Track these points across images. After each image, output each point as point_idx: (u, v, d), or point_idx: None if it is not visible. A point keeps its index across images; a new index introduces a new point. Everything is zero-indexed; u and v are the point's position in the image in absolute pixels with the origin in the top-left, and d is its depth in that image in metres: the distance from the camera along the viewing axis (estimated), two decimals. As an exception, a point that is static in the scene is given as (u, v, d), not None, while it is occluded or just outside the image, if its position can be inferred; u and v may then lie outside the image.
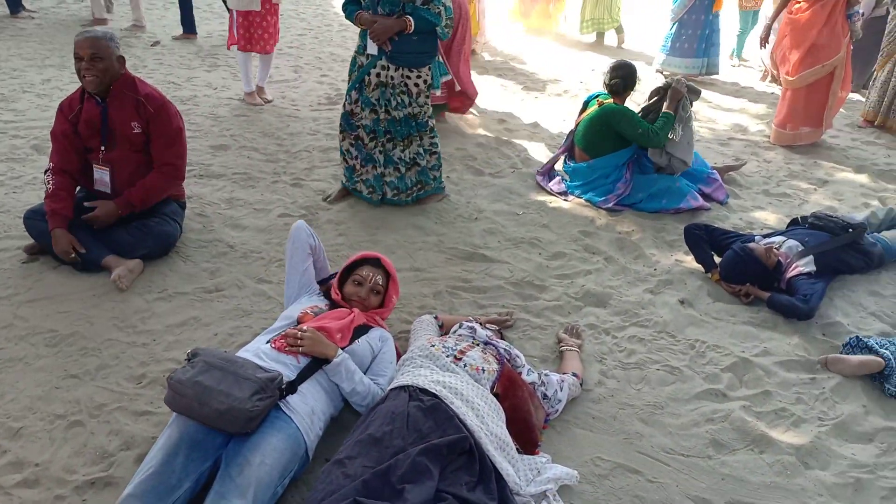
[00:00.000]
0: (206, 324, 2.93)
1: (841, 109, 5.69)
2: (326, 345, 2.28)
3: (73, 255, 3.12)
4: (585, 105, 4.55)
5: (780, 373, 2.79)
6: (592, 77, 7.38)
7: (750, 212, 4.34)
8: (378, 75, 3.77)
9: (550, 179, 4.62)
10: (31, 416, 2.35)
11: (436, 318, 2.89)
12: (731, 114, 6.37)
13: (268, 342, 2.32)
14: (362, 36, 3.75)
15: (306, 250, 2.76)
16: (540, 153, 5.16)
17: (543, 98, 6.61)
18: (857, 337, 2.89)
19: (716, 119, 6.16)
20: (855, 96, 6.91)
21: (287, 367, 2.19)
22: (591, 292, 3.32)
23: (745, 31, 8.29)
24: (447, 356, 2.40)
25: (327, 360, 2.26)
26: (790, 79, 5.15)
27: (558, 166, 4.70)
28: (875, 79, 5.78)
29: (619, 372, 2.77)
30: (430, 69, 3.88)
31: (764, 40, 5.64)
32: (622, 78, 4.25)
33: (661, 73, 7.36)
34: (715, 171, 4.52)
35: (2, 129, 4.92)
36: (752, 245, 3.32)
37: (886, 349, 2.75)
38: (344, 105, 3.99)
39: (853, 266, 3.47)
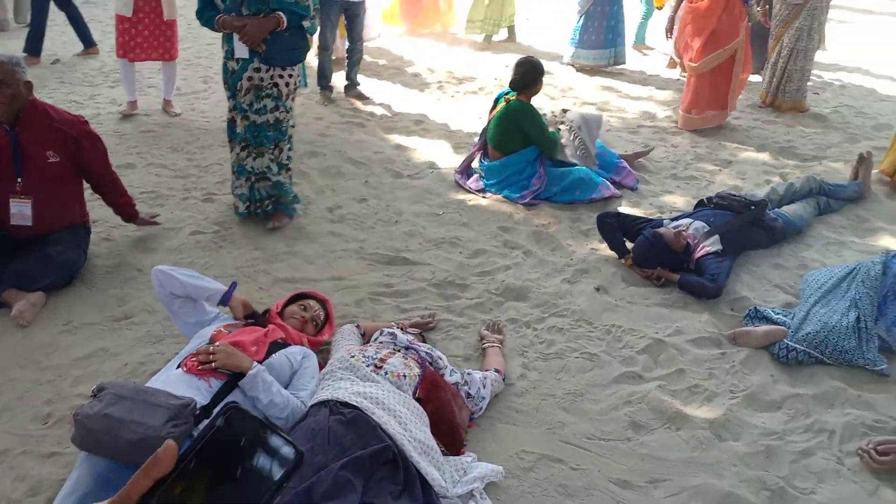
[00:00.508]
0: (115, 354, 2.81)
1: (742, 91, 5.95)
2: (241, 357, 2.23)
3: None
4: (495, 102, 4.61)
5: (692, 350, 2.89)
6: (506, 73, 7.46)
7: (659, 196, 4.49)
8: (250, 78, 3.57)
9: (469, 177, 4.65)
10: (-74, 469, 2.20)
11: (357, 326, 2.87)
12: (640, 102, 6.57)
13: (178, 366, 2.24)
14: (228, 40, 3.54)
15: (172, 303, 2.59)
16: (457, 152, 5.19)
17: (459, 97, 6.65)
18: (755, 308, 3.05)
19: (625, 108, 6.34)
20: (755, 77, 7.25)
21: (200, 392, 2.13)
22: (511, 287, 3.37)
23: (647, 16, 8.54)
24: (367, 365, 2.38)
25: (242, 375, 2.21)
26: (694, 65, 5.35)
27: (475, 164, 4.74)
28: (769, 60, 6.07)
29: (539, 363, 2.82)
30: (299, 68, 3.77)
31: (669, 31, 5.85)
32: (524, 74, 4.32)
33: (572, 65, 7.53)
34: (623, 159, 4.65)
35: None
36: (661, 230, 3.44)
37: (782, 316, 2.91)
38: (228, 112, 3.79)
39: (757, 241, 3.63)
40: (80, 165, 3.31)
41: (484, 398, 2.52)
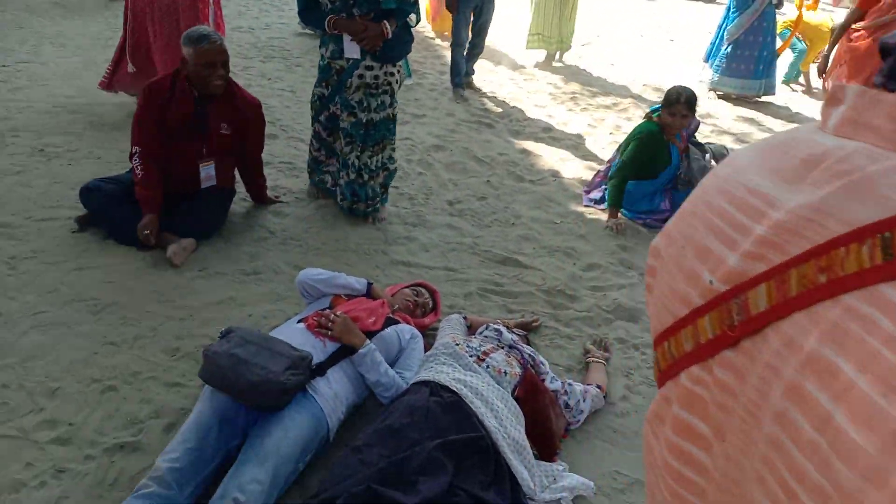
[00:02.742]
0: (241, 304, 3.00)
1: None
2: (356, 334, 2.32)
3: (152, 241, 3.22)
4: None
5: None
6: (643, 90, 7.32)
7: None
8: (361, 76, 3.52)
9: (593, 188, 4.59)
10: (69, 377, 2.45)
11: (464, 318, 2.91)
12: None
13: (300, 321, 2.38)
14: (335, 40, 3.49)
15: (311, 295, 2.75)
16: (583, 164, 5.15)
17: (591, 110, 6.58)
18: None
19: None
20: None
21: (316, 350, 2.24)
22: (623, 306, 3.31)
23: (803, 53, 8.10)
24: (471, 356, 2.42)
25: (354, 350, 2.31)
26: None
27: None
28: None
29: (644, 388, 2.75)
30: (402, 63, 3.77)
31: (822, 70, 5.52)
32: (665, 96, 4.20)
33: (714, 91, 7.27)
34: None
35: (62, 104, 5.12)
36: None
37: None
38: (314, 106, 3.79)
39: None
40: (242, 141, 3.59)
41: (582, 411, 2.49)
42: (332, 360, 2.26)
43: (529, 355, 2.58)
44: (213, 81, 3.28)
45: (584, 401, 2.50)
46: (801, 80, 8.35)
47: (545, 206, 4.40)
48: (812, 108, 7.26)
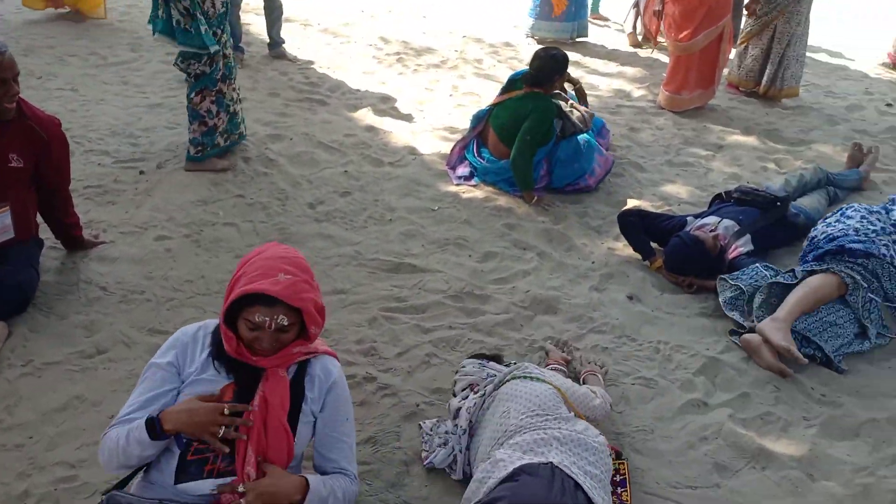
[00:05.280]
0: (94, 403, 2.32)
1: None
2: (282, 496, 1.61)
3: None
4: (510, 85, 4.18)
5: (748, 370, 2.68)
6: (465, 43, 7.04)
7: (660, 185, 4.26)
8: None
9: (458, 165, 4.26)
10: None
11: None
12: (610, 79, 6.31)
13: (194, 459, 1.62)
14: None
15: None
16: (436, 134, 4.78)
17: (423, 71, 6.18)
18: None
19: (597, 85, 6.06)
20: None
21: None
22: (537, 298, 3.05)
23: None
24: None
25: None
26: (685, 44, 5.08)
27: (469, 155, 4.30)
28: (747, 45, 5.75)
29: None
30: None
31: (638, 6, 5.56)
32: (541, 67, 3.93)
33: (533, 37, 7.19)
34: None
35: None
36: (699, 234, 3.20)
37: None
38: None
39: (782, 240, 3.47)
40: (41, 172, 2.77)
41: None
42: None
43: None
44: (4, 104, 2.46)
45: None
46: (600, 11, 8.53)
47: (414, 191, 4.00)
48: (623, 43, 7.42)
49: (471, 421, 2.05)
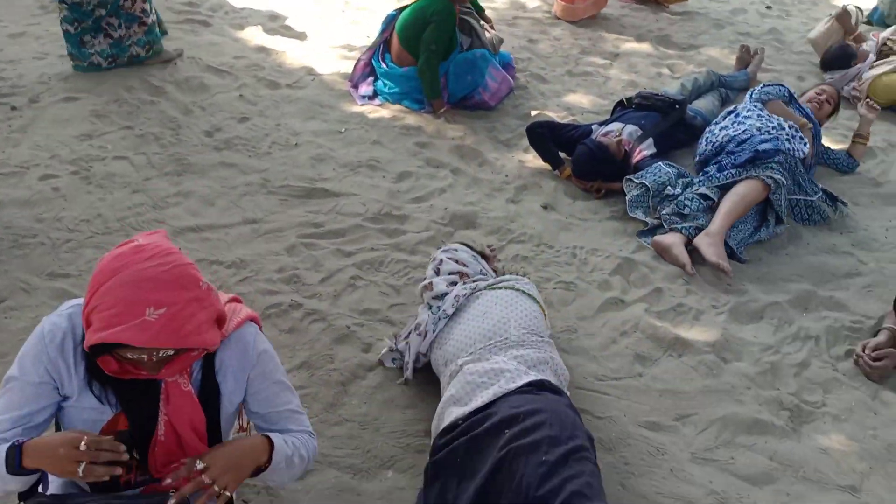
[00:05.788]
0: (2, 354, 2.14)
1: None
2: (246, 468, 1.37)
3: None
4: None
5: (660, 266, 2.83)
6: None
7: (562, 96, 4.30)
8: None
9: (361, 80, 4.10)
10: None
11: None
12: (504, -11, 6.20)
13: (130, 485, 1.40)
14: None
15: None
16: (333, 51, 4.57)
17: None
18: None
19: (493, -2, 5.96)
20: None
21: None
22: (456, 214, 3.06)
23: None
24: None
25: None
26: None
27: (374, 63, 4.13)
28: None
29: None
30: None
31: None
32: None
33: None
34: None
35: None
36: (604, 140, 3.27)
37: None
38: None
39: (682, 140, 3.62)
40: None
41: None
42: None
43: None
44: None
45: None
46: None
47: (319, 113, 3.84)
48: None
49: (456, 309, 2.08)
